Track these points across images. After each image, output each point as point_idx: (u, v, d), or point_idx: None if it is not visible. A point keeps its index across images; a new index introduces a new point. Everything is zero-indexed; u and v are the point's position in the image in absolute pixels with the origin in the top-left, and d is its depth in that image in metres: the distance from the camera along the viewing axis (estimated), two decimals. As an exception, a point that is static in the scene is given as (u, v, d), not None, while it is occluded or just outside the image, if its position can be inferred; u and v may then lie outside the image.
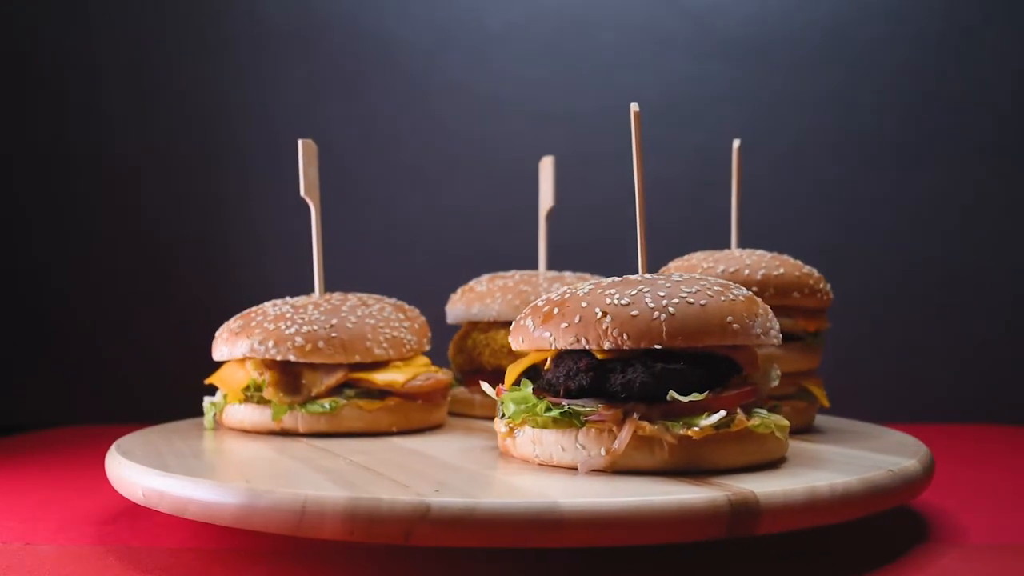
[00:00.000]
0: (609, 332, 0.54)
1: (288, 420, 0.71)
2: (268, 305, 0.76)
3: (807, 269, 0.76)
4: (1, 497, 0.73)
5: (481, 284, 0.88)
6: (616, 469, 0.53)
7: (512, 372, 0.60)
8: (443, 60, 1.31)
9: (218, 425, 0.76)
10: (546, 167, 0.91)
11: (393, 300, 0.80)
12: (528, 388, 0.57)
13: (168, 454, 0.61)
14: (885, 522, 0.61)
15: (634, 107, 0.62)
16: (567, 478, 0.51)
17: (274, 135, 1.31)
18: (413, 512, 0.44)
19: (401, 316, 0.77)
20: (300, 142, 0.77)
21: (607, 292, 0.56)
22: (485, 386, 0.64)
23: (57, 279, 1.31)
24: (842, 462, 0.57)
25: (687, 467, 0.52)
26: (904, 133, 1.28)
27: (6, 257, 1.31)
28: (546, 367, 0.57)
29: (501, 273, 0.90)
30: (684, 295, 0.55)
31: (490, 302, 0.84)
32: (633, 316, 0.54)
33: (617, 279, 0.59)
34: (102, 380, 1.30)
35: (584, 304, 0.55)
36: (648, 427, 0.52)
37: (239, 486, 0.48)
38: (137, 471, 0.55)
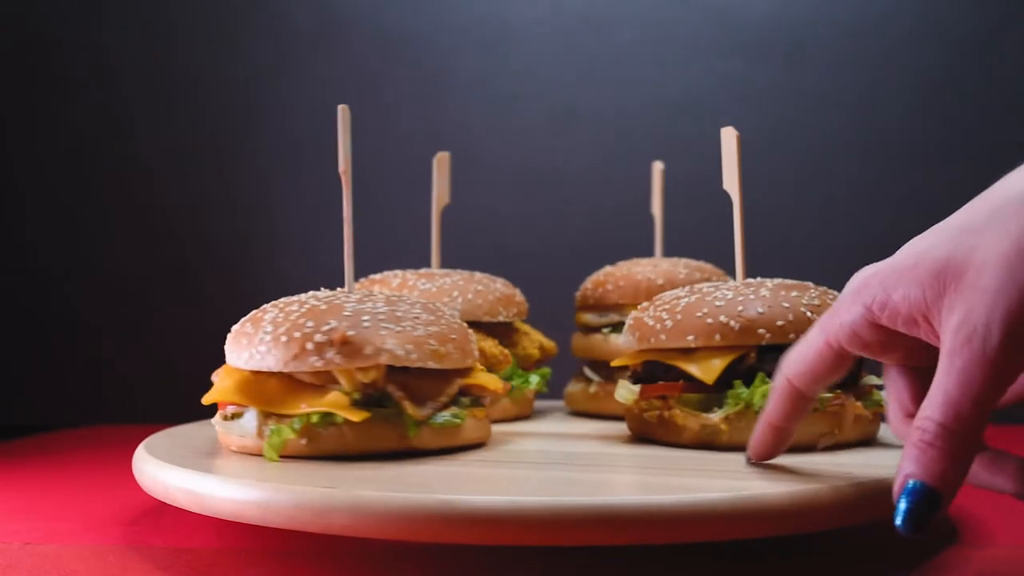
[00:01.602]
0: None
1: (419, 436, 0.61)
2: (337, 301, 0.63)
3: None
4: (25, 496, 0.74)
5: (414, 281, 0.83)
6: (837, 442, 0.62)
7: (717, 368, 0.63)
8: (463, 58, 1.31)
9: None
10: (442, 164, 0.90)
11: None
12: (768, 382, 0.61)
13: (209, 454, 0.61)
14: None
15: (733, 132, 0.68)
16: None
17: (293, 134, 1.31)
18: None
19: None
20: (339, 108, 0.71)
21: (792, 295, 0.65)
22: (625, 384, 0.68)
23: (81, 280, 1.34)
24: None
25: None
26: (927, 132, 1.26)
27: (30, 258, 1.34)
28: (750, 361, 0.63)
29: (399, 271, 0.86)
30: (833, 298, 0.66)
31: (448, 301, 0.81)
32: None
33: (763, 281, 0.68)
34: (126, 380, 1.32)
35: (786, 305, 0.64)
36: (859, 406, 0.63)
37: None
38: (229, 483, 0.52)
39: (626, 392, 0.69)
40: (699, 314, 0.64)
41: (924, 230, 0.46)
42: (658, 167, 0.98)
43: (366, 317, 0.60)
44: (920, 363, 0.47)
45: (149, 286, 1.34)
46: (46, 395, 1.34)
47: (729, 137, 0.68)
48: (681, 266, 0.90)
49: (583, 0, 1.33)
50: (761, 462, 0.54)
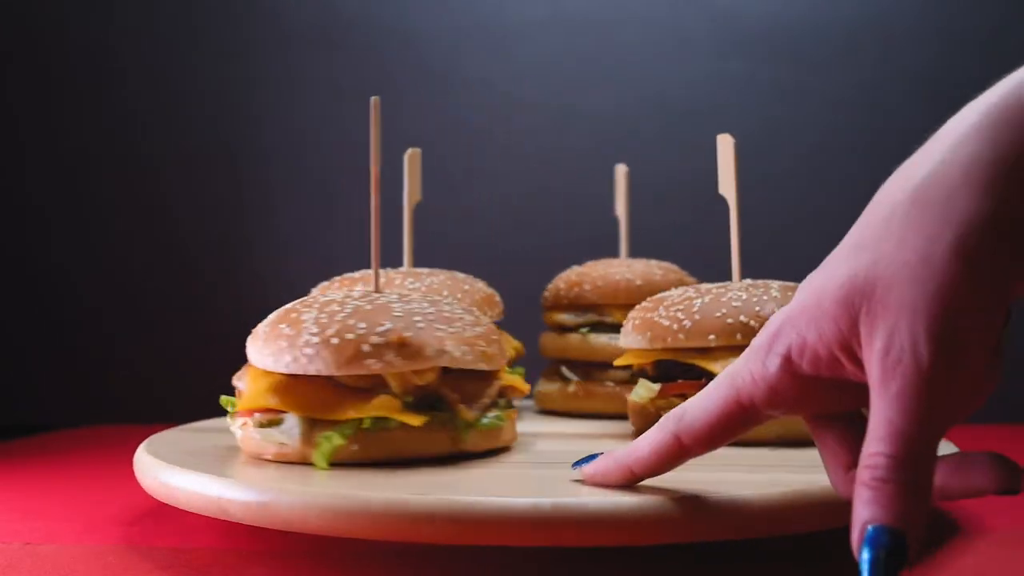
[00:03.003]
0: None
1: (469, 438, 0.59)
2: (380, 301, 0.60)
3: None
4: (25, 496, 0.74)
5: (400, 280, 0.82)
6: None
7: None
8: (465, 58, 1.31)
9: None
10: (413, 160, 0.88)
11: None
12: None
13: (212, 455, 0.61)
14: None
15: (730, 139, 0.69)
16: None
17: (297, 134, 1.31)
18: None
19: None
20: (372, 101, 0.72)
21: (792, 295, 0.65)
22: (645, 383, 0.69)
23: (82, 280, 1.34)
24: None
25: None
26: (928, 132, 1.25)
27: (32, 258, 1.35)
28: None
29: (384, 269, 0.85)
30: None
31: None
32: None
33: (767, 283, 0.69)
34: (128, 380, 1.32)
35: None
36: None
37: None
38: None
39: (644, 391, 0.69)
40: (718, 314, 0.66)
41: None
42: (621, 169, 0.98)
43: (418, 318, 0.58)
44: (842, 408, 0.43)
45: (150, 286, 1.34)
46: (46, 395, 1.34)
47: (725, 144, 0.70)
48: (655, 267, 0.90)
49: (583, 0, 1.33)
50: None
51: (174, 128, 1.34)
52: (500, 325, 0.90)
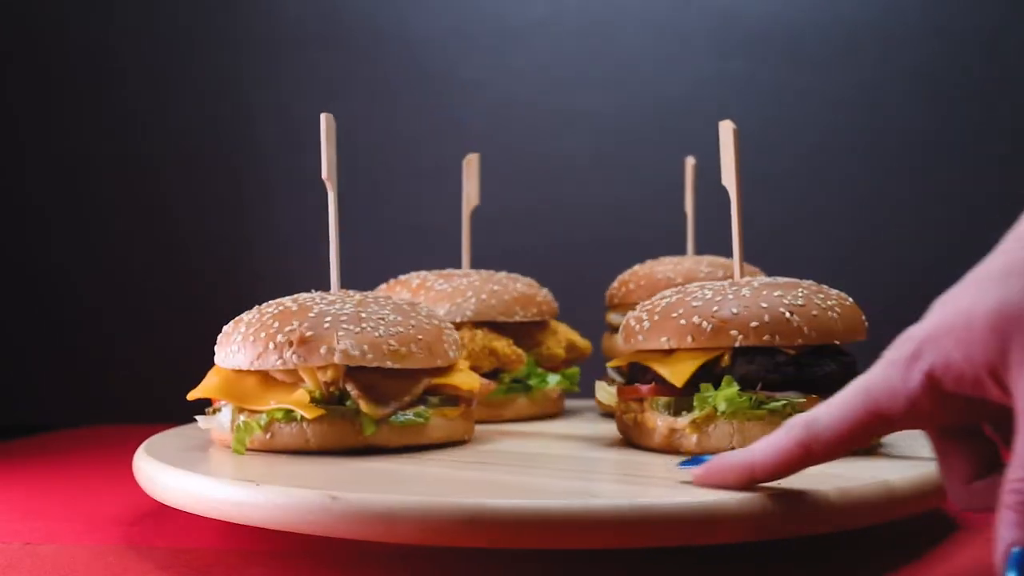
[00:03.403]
0: (802, 329, 0.60)
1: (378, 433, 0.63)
2: (308, 303, 0.65)
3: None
4: (25, 496, 0.74)
5: (432, 282, 0.85)
6: None
7: (686, 370, 0.61)
8: (464, 59, 1.31)
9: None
10: (471, 165, 0.91)
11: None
12: (735, 386, 0.60)
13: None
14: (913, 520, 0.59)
15: (731, 125, 0.67)
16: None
17: (296, 135, 1.31)
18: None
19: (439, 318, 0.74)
20: (323, 117, 0.71)
21: (774, 294, 0.62)
22: (603, 385, 0.69)
23: (81, 279, 1.35)
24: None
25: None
26: (929, 131, 1.26)
27: (31, 258, 1.35)
28: (724, 364, 0.61)
29: (423, 272, 0.89)
30: (826, 296, 0.63)
31: (462, 302, 0.81)
32: (814, 315, 0.61)
33: (750, 280, 0.65)
34: (128, 380, 1.32)
35: (764, 304, 0.61)
36: None
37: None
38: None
39: (604, 394, 0.68)
40: (674, 315, 0.62)
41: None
42: (690, 162, 0.97)
43: (328, 318, 0.63)
44: (971, 423, 0.44)
45: (150, 286, 1.34)
46: (46, 395, 1.34)
47: (727, 131, 0.67)
48: (704, 264, 0.89)
49: (584, 1, 1.32)
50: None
51: (174, 128, 1.34)
52: (571, 324, 0.91)
